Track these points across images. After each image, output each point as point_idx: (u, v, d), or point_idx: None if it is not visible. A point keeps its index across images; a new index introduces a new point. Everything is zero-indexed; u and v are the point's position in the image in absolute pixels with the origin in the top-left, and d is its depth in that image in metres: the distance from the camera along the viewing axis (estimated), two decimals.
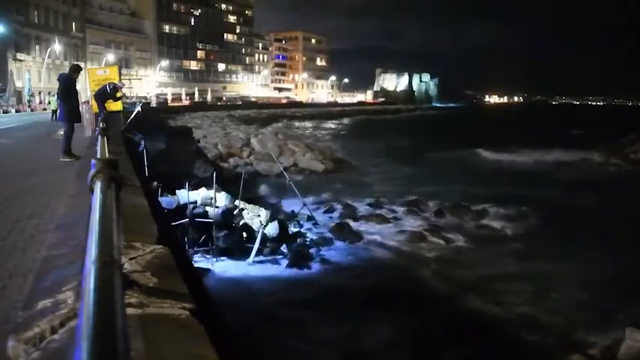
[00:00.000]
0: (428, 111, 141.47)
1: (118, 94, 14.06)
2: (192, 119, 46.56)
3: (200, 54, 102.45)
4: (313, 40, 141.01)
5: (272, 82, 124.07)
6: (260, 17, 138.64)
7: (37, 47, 61.08)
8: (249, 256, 11.63)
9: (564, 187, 22.32)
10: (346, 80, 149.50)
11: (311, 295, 9.97)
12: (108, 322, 0.85)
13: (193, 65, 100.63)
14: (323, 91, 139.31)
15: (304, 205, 15.68)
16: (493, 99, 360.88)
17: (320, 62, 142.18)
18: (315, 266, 11.75)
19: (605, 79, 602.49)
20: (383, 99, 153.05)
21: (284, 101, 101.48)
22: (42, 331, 1.82)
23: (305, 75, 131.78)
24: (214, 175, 14.99)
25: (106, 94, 13.92)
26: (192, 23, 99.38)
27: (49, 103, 40.61)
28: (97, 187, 1.69)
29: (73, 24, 70.81)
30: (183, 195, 15.74)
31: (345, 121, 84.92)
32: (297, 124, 68.45)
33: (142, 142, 13.81)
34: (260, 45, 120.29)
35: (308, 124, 70.77)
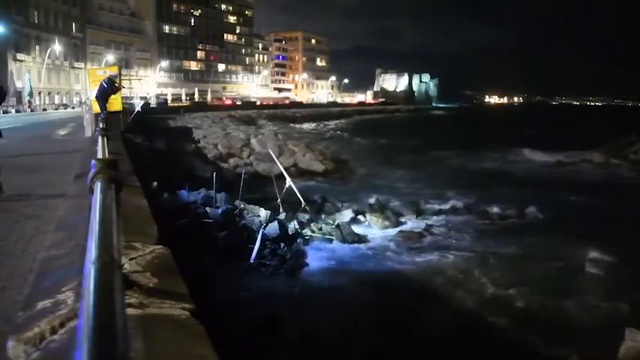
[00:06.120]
0: (430, 112, 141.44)
1: (116, 85, 14.04)
2: (192, 119, 46.51)
3: (200, 54, 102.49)
4: (313, 41, 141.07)
5: (272, 82, 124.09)
6: (260, 18, 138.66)
7: (37, 47, 61.11)
8: (249, 257, 11.62)
9: (564, 188, 22.30)
10: (346, 80, 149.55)
11: (311, 296, 9.96)
12: (108, 323, 0.85)
13: (193, 66, 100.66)
14: (323, 92, 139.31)
15: (304, 205, 15.67)
16: (493, 99, 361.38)
17: (320, 62, 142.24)
18: (316, 267, 11.74)
19: (604, 79, 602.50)
20: (383, 99, 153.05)
21: (287, 102, 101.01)
22: (42, 331, 1.82)
23: (305, 75, 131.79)
24: (214, 175, 14.99)
25: (105, 91, 13.90)
26: (192, 23, 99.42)
27: (84, 103, 40.44)
28: (97, 187, 1.70)
29: (73, 24, 70.86)
30: (184, 195, 15.75)
31: (345, 121, 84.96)
32: (297, 126, 68.45)
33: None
34: (260, 45, 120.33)
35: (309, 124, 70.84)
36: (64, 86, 67.90)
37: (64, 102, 62.31)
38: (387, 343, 8.16)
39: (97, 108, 14.35)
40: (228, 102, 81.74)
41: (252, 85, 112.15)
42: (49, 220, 4.52)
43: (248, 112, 68.32)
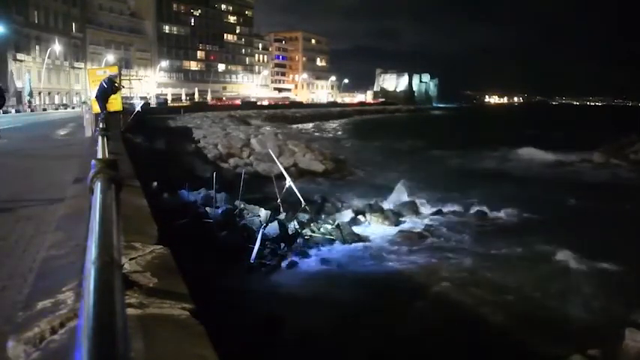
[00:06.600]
0: (430, 112, 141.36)
1: (116, 85, 14.06)
2: (192, 119, 46.51)
3: (200, 54, 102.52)
4: (313, 41, 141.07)
5: (272, 82, 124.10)
6: (260, 18, 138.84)
7: (37, 47, 61.14)
8: (249, 257, 11.62)
9: (564, 188, 22.30)
10: (346, 80, 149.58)
11: (311, 296, 9.96)
12: (108, 323, 0.85)
13: (193, 66, 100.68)
14: (323, 92, 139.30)
15: (304, 205, 15.67)
16: (493, 99, 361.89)
17: (320, 62, 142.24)
18: (315, 267, 11.74)
19: (604, 79, 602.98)
20: (383, 99, 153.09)
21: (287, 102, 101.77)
22: (42, 331, 1.82)
23: (305, 75, 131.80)
24: (214, 175, 14.99)
25: (105, 91, 13.91)
26: (192, 23, 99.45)
27: (85, 102, 40.48)
28: (97, 187, 1.70)
29: (73, 24, 70.89)
30: (184, 195, 15.75)
31: (345, 121, 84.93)
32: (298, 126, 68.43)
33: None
34: (260, 45, 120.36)
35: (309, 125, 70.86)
36: (64, 86, 67.94)
37: (64, 102, 62.36)
38: (386, 343, 8.17)
39: (97, 108, 14.37)
40: (238, 102, 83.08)
41: (252, 85, 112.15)
42: (48, 220, 4.52)
43: (248, 112, 68.37)
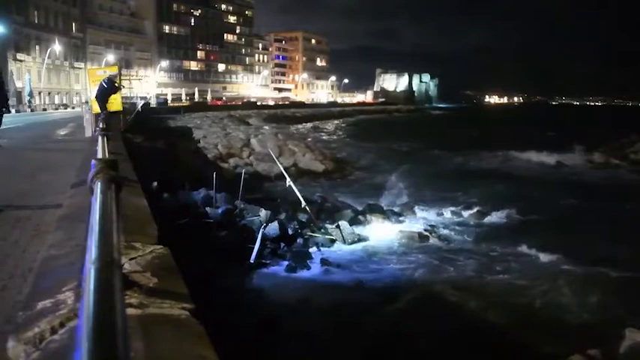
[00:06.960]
0: (430, 112, 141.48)
1: (116, 85, 14.06)
2: (192, 119, 46.53)
3: (200, 54, 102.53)
4: (313, 41, 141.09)
5: (272, 82, 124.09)
6: (260, 18, 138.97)
7: (37, 47, 61.11)
8: (249, 257, 11.62)
9: (564, 188, 22.31)
10: (346, 80, 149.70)
11: (311, 296, 9.96)
12: (108, 323, 0.85)
13: (193, 66, 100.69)
14: (323, 92, 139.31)
15: (304, 205, 15.66)
16: (493, 99, 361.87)
17: (320, 62, 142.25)
18: (315, 267, 11.74)
19: (604, 79, 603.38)
20: (383, 99, 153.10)
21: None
22: (42, 331, 1.82)
23: (305, 75, 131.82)
24: (214, 175, 14.98)
25: (105, 91, 13.91)
26: (192, 23, 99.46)
27: (86, 102, 40.35)
28: (97, 187, 1.70)
29: (73, 24, 70.87)
30: (184, 195, 15.74)
31: (345, 120, 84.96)
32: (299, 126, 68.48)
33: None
34: (260, 45, 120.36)
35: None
36: (64, 86, 67.92)
37: (64, 102, 62.35)
38: (386, 343, 8.17)
39: (97, 108, 14.37)
40: (240, 102, 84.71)
41: (252, 85, 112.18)
42: (48, 220, 4.52)
43: (248, 112, 68.44)
